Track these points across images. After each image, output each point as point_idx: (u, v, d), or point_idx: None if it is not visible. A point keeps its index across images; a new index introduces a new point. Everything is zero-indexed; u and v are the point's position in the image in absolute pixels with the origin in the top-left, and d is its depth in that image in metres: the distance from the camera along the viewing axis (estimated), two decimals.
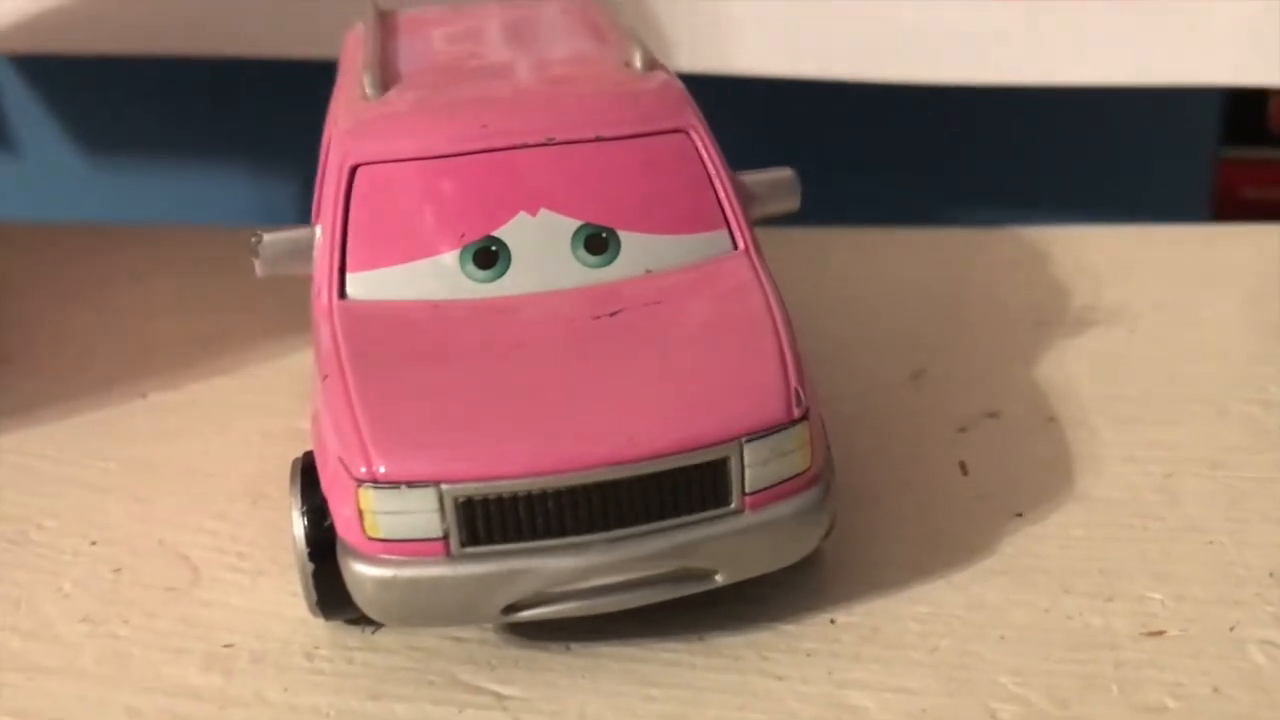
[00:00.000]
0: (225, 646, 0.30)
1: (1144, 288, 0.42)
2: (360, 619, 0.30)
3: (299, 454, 0.31)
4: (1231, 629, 0.29)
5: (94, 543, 0.34)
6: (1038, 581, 0.31)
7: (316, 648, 0.30)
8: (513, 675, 0.29)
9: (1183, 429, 0.36)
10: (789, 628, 0.30)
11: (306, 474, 0.30)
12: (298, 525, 0.29)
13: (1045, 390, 0.38)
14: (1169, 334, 0.40)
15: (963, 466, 0.35)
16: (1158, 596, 0.30)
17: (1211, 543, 0.32)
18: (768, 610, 0.30)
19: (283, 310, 0.42)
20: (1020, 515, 0.33)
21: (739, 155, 0.33)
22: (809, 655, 0.29)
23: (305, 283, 0.33)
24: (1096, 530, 0.32)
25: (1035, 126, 0.56)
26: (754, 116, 0.40)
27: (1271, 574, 0.31)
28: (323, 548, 0.29)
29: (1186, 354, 0.39)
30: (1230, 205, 0.54)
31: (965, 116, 0.54)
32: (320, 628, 0.31)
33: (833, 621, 0.30)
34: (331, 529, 0.29)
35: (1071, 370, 0.38)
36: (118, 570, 0.33)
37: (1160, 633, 0.29)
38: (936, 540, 0.32)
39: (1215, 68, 0.47)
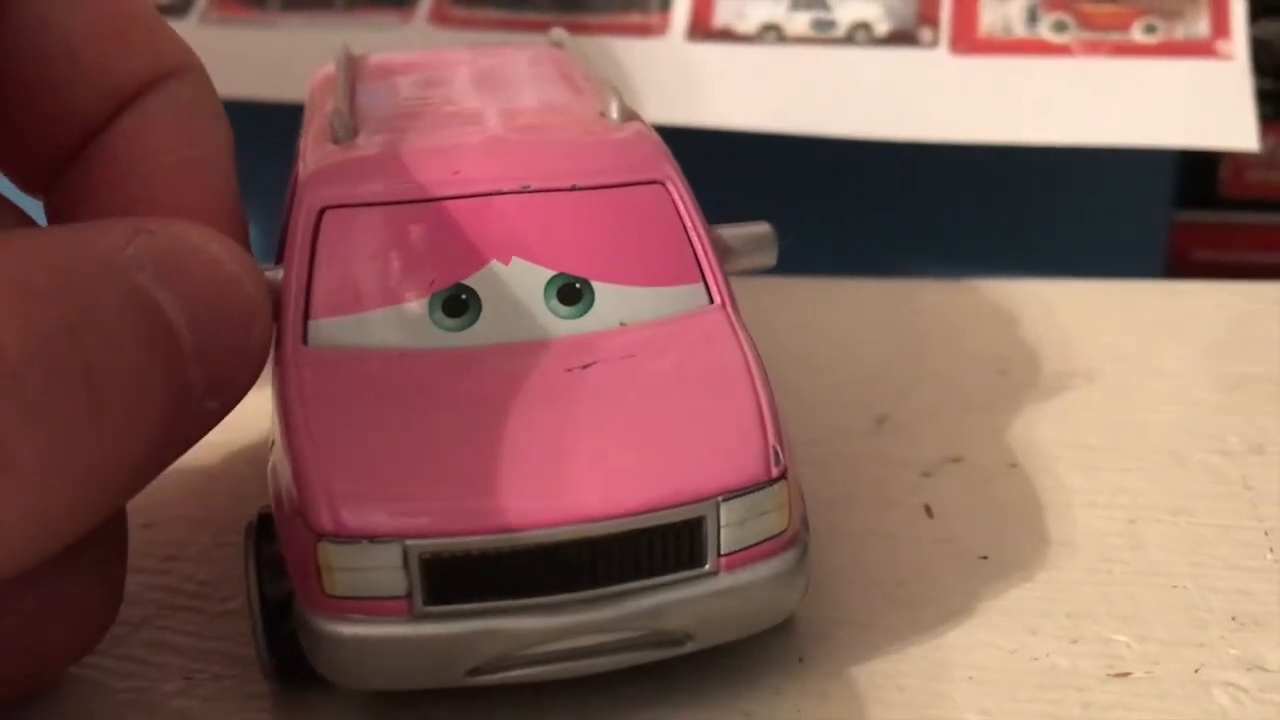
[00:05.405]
0: (186, 679, 0.30)
1: (1105, 340, 0.42)
2: (317, 681, 0.28)
3: (256, 501, 0.30)
4: (1196, 671, 0.29)
5: None
6: (1003, 623, 0.31)
7: None
8: (476, 715, 0.29)
9: (1145, 476, 0.36)
10: (757, 666, 0.30)
11: (262, 529, 0.29)
12: (252, 583, 0.28)
13: (1008, 437, 0.38)
14: (1130, 384, 0.40)
15: (928, 510, 0.35)
16: (1123, 639, 0.30)
17: (1175, 587, 0.32)
18: (735, 649, 0.30)
19: None
20: (985, 558, 0.33)
21: (700, 204, 0.33)
22: (777, 693, 0.29)
23: None
24: (1061, 573, 0.32)
25: (993, 184, 0.56)
26: (717, 167, 0.40)
27: (1234, 618, 0.31)
28: (278, 607, 0.28)
29: (1147, 404, 0.39)
30: (1183, 267, 0.55)
31: (927, 172, 0.54)
32: None
33: (801, 660, 0.30)
34: (288, 587, 0.28)
35: (1033, 418, 0.39)
36: None
37: (1126, 674, 0.29)
38: (903, 581, 0.32)
39: (1167, 130, 0.48)
